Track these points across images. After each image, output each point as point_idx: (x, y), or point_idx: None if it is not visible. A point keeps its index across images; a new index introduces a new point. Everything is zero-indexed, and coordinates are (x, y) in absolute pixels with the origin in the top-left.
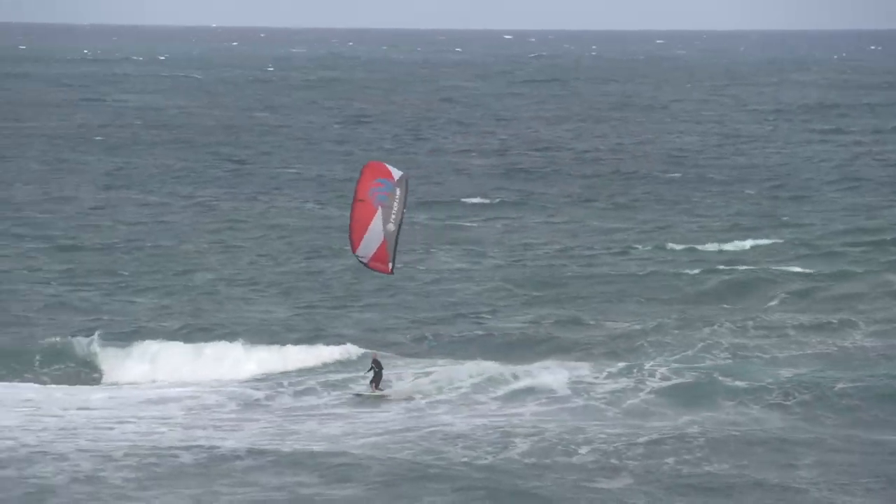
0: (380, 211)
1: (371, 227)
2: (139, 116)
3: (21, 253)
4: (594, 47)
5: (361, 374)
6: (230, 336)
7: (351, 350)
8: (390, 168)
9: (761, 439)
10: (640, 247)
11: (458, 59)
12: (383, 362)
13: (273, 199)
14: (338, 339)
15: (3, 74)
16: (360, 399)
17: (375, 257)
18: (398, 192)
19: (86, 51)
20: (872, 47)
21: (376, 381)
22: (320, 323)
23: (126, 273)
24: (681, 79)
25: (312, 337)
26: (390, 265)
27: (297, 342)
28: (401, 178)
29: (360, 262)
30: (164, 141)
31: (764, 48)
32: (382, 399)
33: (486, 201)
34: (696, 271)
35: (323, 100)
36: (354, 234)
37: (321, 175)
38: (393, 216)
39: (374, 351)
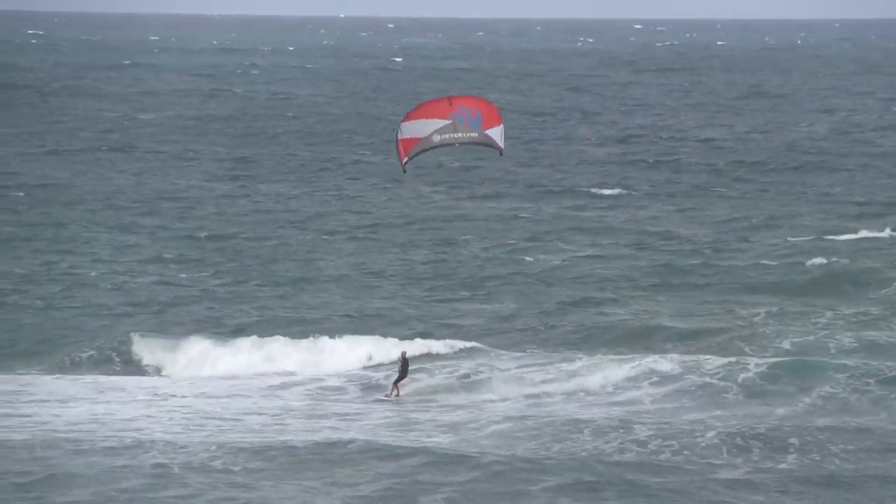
0: (448, 122)
1: (430, 121)
2: (267, 106)
3: (149, 244)
4: (723, 35)
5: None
6: (350, 325)
7: (456, 344)
8: (499, 127)
9: (882, 428)
10: (766, 235)
11: (587, 48)
12: (489, 356)
13: (396, 187)
14: (452, 332)
15: (135, 65)
16: (390, 401)
17: (407, 143)
18: (475, 135)
19: (215, 41)
20: None
21: (397, 380)
22: (440, 313)
23: (251, 263)
24: (811, 67)
25: (432, 328)
26: (406, 160)
27: (416, 333)
28: (491, 140)
29: (396, 133)
30: (289, 131)
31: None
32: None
33: (611, 191)
34: (822, 259)
35: (449, 90)
36: (416, 112)
37: (442, 165)
38: (448, 136)
39: (405, 349)
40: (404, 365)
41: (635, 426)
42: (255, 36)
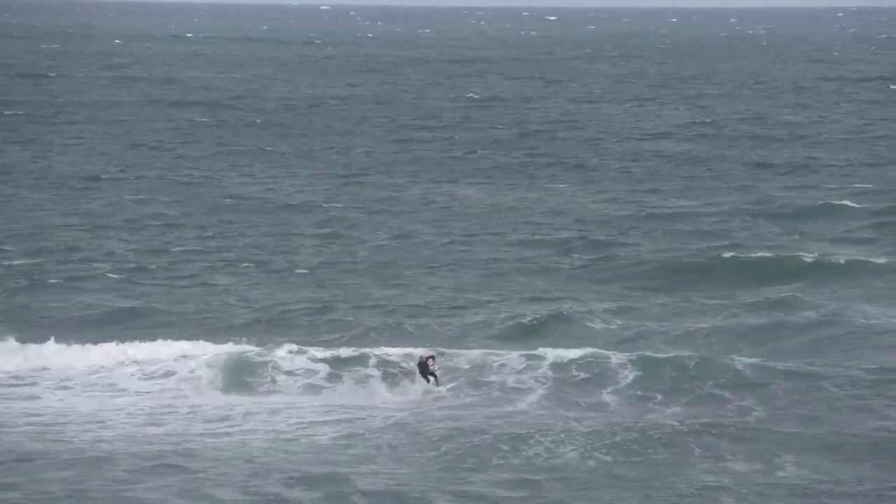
0: None
1: None
2: (204, 94)
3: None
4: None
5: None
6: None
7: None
8: None
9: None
10: (655, 226)
11: (533, 35)
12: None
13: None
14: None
15: (78, 53)
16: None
17: None
18: None
19: (173, 25)
20: None
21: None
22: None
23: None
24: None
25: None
26: None
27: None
28: None
29: None
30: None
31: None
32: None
33: (510, 179)
34: (701, 254)
35: (382, 75)
36: None
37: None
38: None
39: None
40: (424, 364)
41: (490, 428)
42: (211, 23)
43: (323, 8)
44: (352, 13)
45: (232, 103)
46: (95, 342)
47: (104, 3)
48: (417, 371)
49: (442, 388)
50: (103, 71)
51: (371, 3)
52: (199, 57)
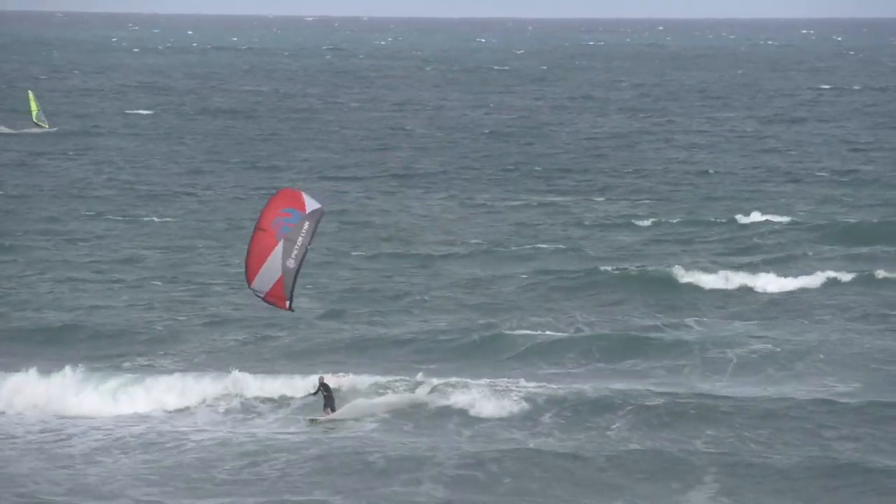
0: (281, 244)
1: (269, 261)
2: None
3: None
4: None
5: (306, 395)
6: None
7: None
8: (305, 198)
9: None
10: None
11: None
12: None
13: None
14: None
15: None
16: (314, 424)
17: (272, 293)
18: (307, 224)
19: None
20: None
21: (329, 404)
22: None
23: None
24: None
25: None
26: (288, 303)
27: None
28: (315, 210)
29: (256, 295)
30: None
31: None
32: (334, 423)
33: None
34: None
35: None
36: (251, 265)
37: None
38: (295, 251)
39: (321, 374)
40: (326, 389)
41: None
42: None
43: (307, 19)
44: (336, 24)
45: (209, 108)
46: None
47: (85, 14)
48: (321, 392)
49: (333, 415)
50: (95, 81)
51: (353, 15)
52: (196, 67)
